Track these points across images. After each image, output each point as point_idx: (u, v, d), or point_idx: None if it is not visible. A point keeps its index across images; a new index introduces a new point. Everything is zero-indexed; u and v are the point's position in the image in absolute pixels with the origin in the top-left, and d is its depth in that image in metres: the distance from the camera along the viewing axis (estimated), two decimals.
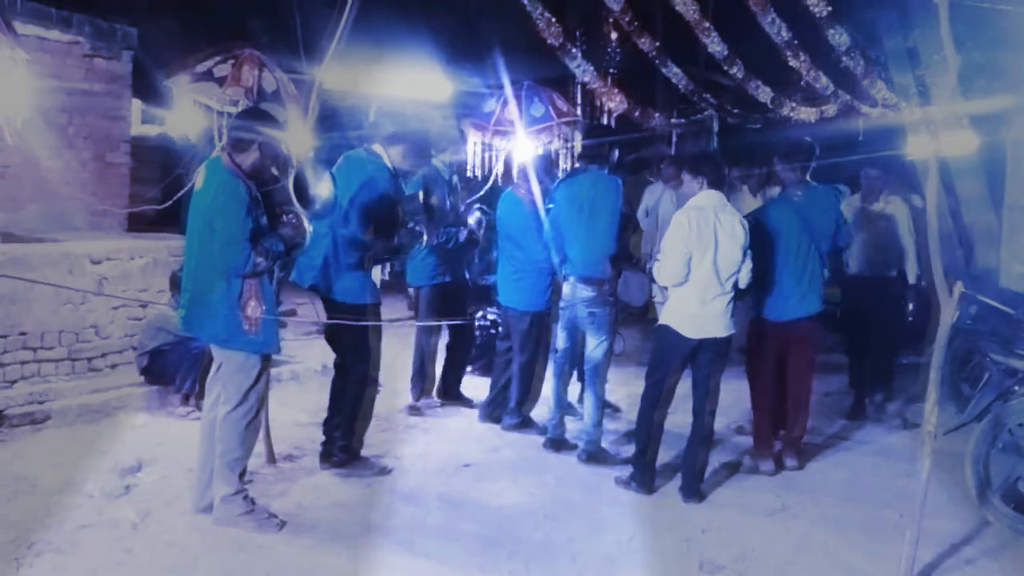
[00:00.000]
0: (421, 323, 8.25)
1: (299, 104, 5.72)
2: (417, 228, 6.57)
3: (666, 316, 6.35)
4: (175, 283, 7.62)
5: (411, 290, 8.73)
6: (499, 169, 8.27)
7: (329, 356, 6.62)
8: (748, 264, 6.26)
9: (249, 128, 5.45)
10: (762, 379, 7.02)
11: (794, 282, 6.81)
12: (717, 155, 8.51)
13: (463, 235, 7.96)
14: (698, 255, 6.11)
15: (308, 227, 5.57)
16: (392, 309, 10.50)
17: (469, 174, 8.43)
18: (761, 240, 6.77)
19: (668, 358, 6.35)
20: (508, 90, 7.94)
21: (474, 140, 8.13)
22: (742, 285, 6.31)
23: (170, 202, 8.15)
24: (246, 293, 5.32)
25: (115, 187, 10.18)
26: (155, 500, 5.79)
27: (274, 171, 5.57)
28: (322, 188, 5.72)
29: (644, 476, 6.31)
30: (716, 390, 6.39)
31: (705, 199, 6.27)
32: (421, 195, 6.62)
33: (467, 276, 8.63)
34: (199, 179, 5.44)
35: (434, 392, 8.40)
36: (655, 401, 6.36)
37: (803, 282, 6.83)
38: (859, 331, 8.75)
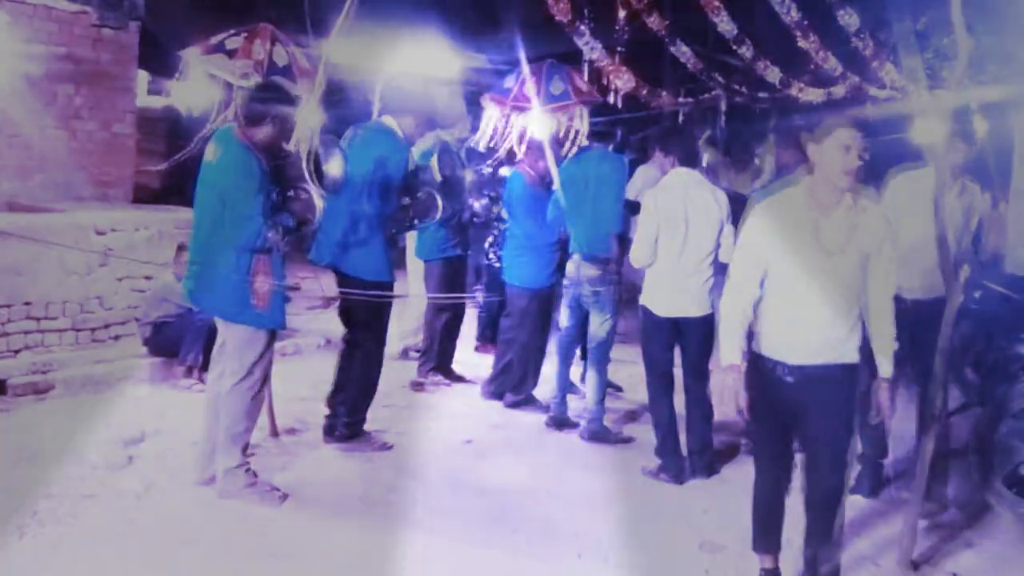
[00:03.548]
0: (431, 298, 8.27)
1: (310, 78, 5.71)
2: (430, 198, 6.55)
3: (643, 296, 6.38)
4: (180, 251, 7.64)
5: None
6: (511, 145, 8.23)
7: (332, 330, 6.60)
8: (729, 238, 6.24)
9: (264, 102, 5.44)
10: None
11: None
12: (688, 132, 8.45)
13: (466, 215, 7.96)
14: (667, 235, 6.13)
15: (318, 203, 5.56)
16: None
17: (483, 148, 8.40)
18: None
19: (650, 338, 6.39)
20: (525, 66, 7.89)
21: (491, 114, 8.10)
22: (725, 260, 6.29)
23: (167, 165, 8.11)
24: (255, 268, 5.32)
25: (121, 158, 10.16)
26: (158, 471, 5.80)
27: (285, 145, 5.56)
28: (334, 164, 5.71)
29: (671, 465, 6.29)
30: (704, 370, 6.40)
31: (675, 177, 6.27)
32: (435, 165, 6.60)
33: (468, 253, 8.64)
34: (211, 151, 5.43)
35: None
36: (656, 385, 6.39)
37: None
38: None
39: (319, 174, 5.56)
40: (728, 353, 4.37)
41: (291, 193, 5.51)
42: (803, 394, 4.30)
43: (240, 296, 5.31)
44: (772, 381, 4.35)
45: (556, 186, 7.30)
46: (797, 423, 4.42)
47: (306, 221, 5.55)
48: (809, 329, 4.25)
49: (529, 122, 7.88)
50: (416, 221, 6.68)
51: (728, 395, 4.37)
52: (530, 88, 7.74)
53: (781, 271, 4.27)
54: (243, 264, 5.28)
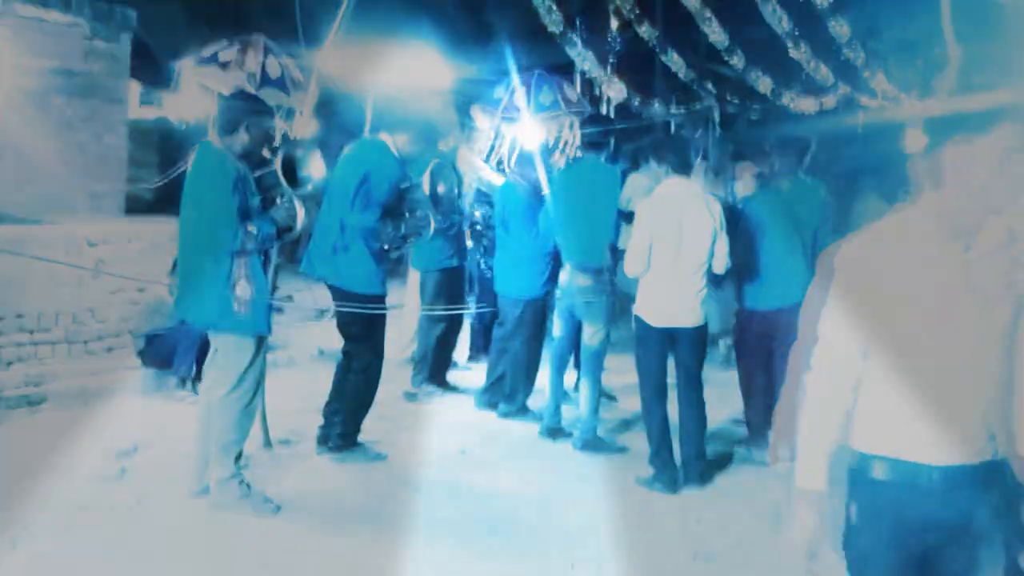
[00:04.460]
0: (425, 311, 8.26)
1: (304, 90, 5.76)
2: (422, 216, 6.55)
3: (636, 305, 6.38)
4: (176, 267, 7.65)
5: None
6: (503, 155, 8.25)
7: (325, 342, 6.60)
8: (723, 248, 6.24)
9: (236, 111, 5.48)
10: (750, 369, 7.02)
11: (775, 272, 6.78)
12: (681, 141, 8.42)
13: (465, 224, 7.98)
14: (660, 244, 6.13)
15: (301, 210, 5.59)
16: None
17: (485, 160, 8.42)
18: (745, 229, 6.77)
19: (644, 348, 6.39)
20: (515, 77, 7.90)
21: (482, 126, 8.12)
22: (719, 270, 6.29)
23: (164, 181, 8.13)
24: (235, 273, 5.33)
25: (113, 169, 10.16)
26: (151, 483, 5.80)
27: (266, 154, 5.59)
28: (313, 169, 5.73)
29: (666, 475, 6.27)
30: (697, 380, 6.41)
31: (669, 186, 6.28)
32: (427, 183, 6.61)
33: (465, 264, 8.64)
34: (189, 162, 5.49)
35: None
36: (649, 395, 6.39)
37: (784, 272, 6.79)
38: None
39: (296, 178, 5.60)
40: (809, 470, 3.04)
41: (276, 200, 5.55)
42: (951, 511, 2.83)
43: (222, 303, 5.32)
44: (910, 496, 2.86)
45: (547, 196, 7.31)
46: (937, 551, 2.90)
47: (288, 228, 5.58)
48: (968, 413, 2.80)
49: (519, 132, 7.90)
50: (408, 239, 6.68)
51: (801, 538, 3.01)
52: (520, 98, 7.76)
53: (911, 329, 2.82)
54: (223, 269, 5.30)
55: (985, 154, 2.72)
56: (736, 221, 6.78)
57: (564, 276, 7.13)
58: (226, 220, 5.24)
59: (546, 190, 7.34)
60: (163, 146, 13.67)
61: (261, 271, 5.51)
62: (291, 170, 5.63)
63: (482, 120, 8.13)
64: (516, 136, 8.03)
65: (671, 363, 6.44)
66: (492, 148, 8.36)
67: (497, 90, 8.09)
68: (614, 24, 14.80)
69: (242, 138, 5.44)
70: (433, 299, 8.26)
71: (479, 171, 8.54)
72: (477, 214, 8.21)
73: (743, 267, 6.75)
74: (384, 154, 6.46)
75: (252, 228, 5.30)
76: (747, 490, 6.32)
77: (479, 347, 9.32)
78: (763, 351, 6.93)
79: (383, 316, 6.50)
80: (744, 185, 8.84)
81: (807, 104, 11.99)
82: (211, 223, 5.28)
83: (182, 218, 5.51)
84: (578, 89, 13.30)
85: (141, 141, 12.76)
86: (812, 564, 2.92)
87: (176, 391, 7.71)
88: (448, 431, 7.33)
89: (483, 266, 8.75)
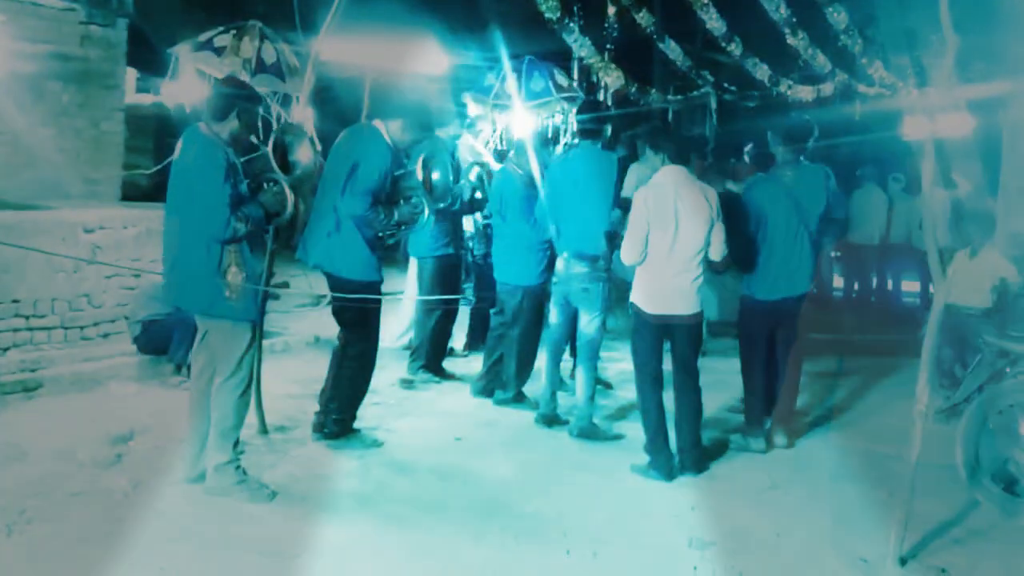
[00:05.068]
0: (423, 298, 8.26)
1: (300, 77, 5.74)
2: (417, 203, 6.53)
3: (633, 294, 6.37)
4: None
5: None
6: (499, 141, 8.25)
7: (322, 328, 6.59)
8: (719, 236, 6.24)
9: (227, 97, 5.46)
10: (752, 357, 7.01)
11: (783, 261, 6.77)
12: (677, 129, 8.43)
13: (467, 193, 7.95)
14: (657, 232, 6.11)
15: (290, 195, 5.58)
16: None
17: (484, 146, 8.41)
18: (749, 218, 6.75)
19: (640, 336, 6.39)
20: (507, 64, 7.89)
21: (475, 113, 8.11)
22: (715, 257, 6.29)
23: (160, 166, 8.13)
24: (226, 259, 5.32)
25: (109, 156, 10.14)
26: (147, 469, 5.79)
27: (254, 140, 5.58)
28: (301, 155, 5.72)
29: (660, 462, 6.26)
30: (693, 368, 6.42)
31: (665, 175, 6.27)
32: (420, 170, 6.59)
33: (462, 252, 8.63)
34: (178, 149, 5.47)
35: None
36: (644, 383, 6.38)
37: (792, 261, 6.78)
38: None
39: (286, 164, 5.59)
40: None
41: (264, 186, 5.54)
42: None
43: (213, 289, 5.33)
44: None
45: (543, 183, 7.30)
46: None
47: (277, 213, 5.57)
48: None
49: (512, 119, 7.88)
50: (402, 226, 6.66)
51: None
52: (510, 85, 7.74)
53: None
54: (213, 257, 5.30)
55: None
56: (737, 210, 6.76)
57: (561, 264, 7.12)
58: (218, 209, 5.22)
59: (541, 177, 7.32)
60: (159, 133, 13.64)
61: (252, 257, 5.50)
62: (282, 155, 5.61)
63: (474, 108, 8.12)
64: (510, 123, 8.02)
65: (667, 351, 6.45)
66: (502, 137, 8.36)
67: (488, 77, 8.07)
68: (611, 11, 14.80)
69: (233, 124, 5.43)
70: (430, 287, 8.25)
71: (482, 159, 8.53)
72: (472, 175, 8.16)
73: (746, 257, 6.74)
74: (375, 141, 6.41)
75: (243, 220, 5.29)
76: (743, 478, 6.33)
77: (477, 337, 9.31)
78: (765, 340, 6.93)
79: (378, 303, 6.49)
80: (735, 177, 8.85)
81: (805, 92, 12.00)
82: (203, 212, 5.25)
83: (170, 205, 5.49)
84: (575, 76, 13.31)
85: (137, 128, 12.74)
86: None
87: (172, 378, 7.70)
88: (444, 418, 7.34)
89: (476, 253, 8.75)
